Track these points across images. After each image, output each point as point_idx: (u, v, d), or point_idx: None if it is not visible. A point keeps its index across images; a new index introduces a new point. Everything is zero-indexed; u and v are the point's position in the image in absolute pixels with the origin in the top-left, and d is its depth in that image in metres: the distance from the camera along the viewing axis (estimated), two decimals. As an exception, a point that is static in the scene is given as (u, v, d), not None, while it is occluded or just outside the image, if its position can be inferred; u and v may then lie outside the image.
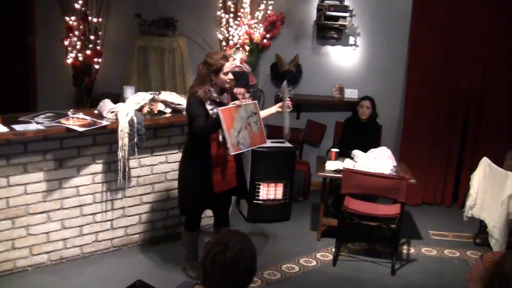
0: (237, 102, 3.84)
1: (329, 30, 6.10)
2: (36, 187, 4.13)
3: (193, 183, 3.98)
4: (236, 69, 5.31)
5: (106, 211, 4.53)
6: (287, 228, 5.36)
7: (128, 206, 4.64)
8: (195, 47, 6.11)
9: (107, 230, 4.57)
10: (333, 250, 4.80)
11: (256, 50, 6.05)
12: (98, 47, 6.25)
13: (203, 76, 3.88)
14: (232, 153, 3.78)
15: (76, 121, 4.21)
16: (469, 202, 5.04)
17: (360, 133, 5.54)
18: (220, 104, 3.92)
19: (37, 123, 4.10)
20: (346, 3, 6.00)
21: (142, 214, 4.74)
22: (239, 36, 5.94)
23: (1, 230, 4.03)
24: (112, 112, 4.36)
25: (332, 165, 4.99)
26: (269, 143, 4.75)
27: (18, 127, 3.97)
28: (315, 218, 5.46)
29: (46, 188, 4.18)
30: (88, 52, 6.13)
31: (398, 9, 6.09)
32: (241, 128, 3.79)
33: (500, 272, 1.85)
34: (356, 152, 5.10)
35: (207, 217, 4.92)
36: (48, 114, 4.33)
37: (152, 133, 4.61)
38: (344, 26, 6.01)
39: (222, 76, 3.88)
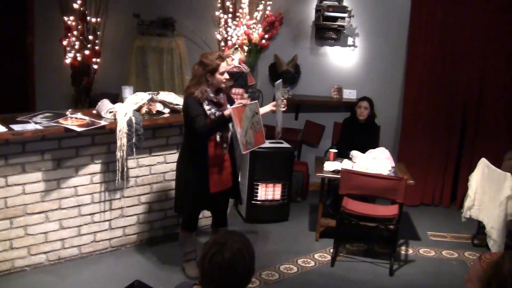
0: (243, 101, 3.85)
1: (327, 31, 6.10)
2: (34, 187, 4.13)
3: (192, 183, 3.98)
4: (235, 70, 5.32)
5: (104, 211, 4.53)
6: (286, 228, 5.36)
7: (126, 206, 4.64)
8: (193, 48, 6.11)
9: (105, 230, 4.56)
10: (331, 250, 4.80)
11: (254, 50, 6.05)
12: (97, 47, 6.25)
13: (199, 77, 3.88)
14: (244, 152, 3.82)
15: (74, 121, 4.21)
16: (467, 203, 5.05)
17: (358, 134, 5.55)
18: (217, 104, 3.92)
19: (36, 123, 4.10)
20: (344, 3, 6.01)
21: (140, 214, 4.74)
22: (238, 37, 5.94)
23: (-1, 230, 4.03)
24: (110, 112, 4.36)
25: (330, 165, 5.00)
26: (267, 144, 4.75)
27: (16, 127, 3.96)
28: (314, 218, 5.46)
29: (44, 188, 4.17)
30: (87, 52, 6.13)
31: (396, 10, 6.10)
32: (247, 127, 3.80)
33: (498, 273, 1.85)
34: (355, 153, 5.11)
35: (205, 217, 4.93)
36: (47, 114, 4.32)
37: (150, 133, 4.61)
38: (343, 26, 6.02)
39: (218, 76, 3.88)
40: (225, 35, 6.03)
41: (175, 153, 4.72)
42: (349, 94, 6.23)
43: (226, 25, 6.02)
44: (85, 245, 4.48)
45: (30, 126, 4.02)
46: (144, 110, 4.49)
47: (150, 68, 6.19)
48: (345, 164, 4.98)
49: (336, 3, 5.95)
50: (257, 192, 5.36)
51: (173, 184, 4.57)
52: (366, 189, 4.68)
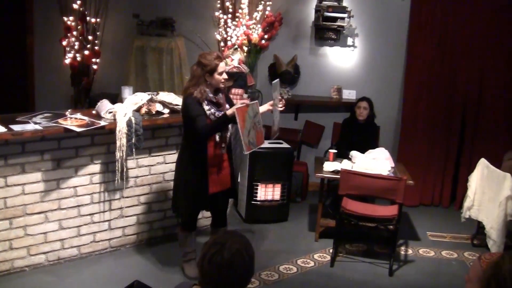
0: (246, 101, 3.85)
1: (327, 31, 6.10)
2: (34, 188, 4.13)
3: (192, 183, 3.98)
4: (234, 70, 5.32)
5: (104, 211, 4.53)
6: (285, 229, 5.36)
7: (126, 207, 4.64)
8: (193, 48, 6.11)
9: (105, 230, 4.56)
10: (331, 251, 4.80)
11: (254, 50, 6.05)
12: (96, 48, 6.25)
13: (198, 77, 3.88)
14: (246, 152, 3.81)
15: (74, 121, 4.21)
16: (467, 203, 5.04)
17: (358, 134, 5.55)
18: (217, 104, 3.92)
19: (35, 123, 4.10)
20: (344, 4, 6.01)
21: (140, 214, 4.74)
22: (237, 37, 5.94)
23: (-2, 230, 4.03)
24: (110, 112, 4.36)
25: (330, 166, 5.00)
26: (267, 144, 4.75)
27: (16, 127, 3.96)
28: (313, 219, 5.46)
29: (44, 188, 4.17)
30: (86, 52, 6.13)
31: (396, 10, 6.10)
32: (250, 127, 3.81)
33: (498, 273, 1.85)
34: (354, 153, 5.11)
35: (205, 217, 4.93)
36: (46, 114, 4.32)
37: (150, 134, 4.61)
38: (342, 27, 6.02)
39: (216, 76, 3.88)
40: (225, 36, 6.03)
41: (174, 153, 4.71)
42: (349, 95, 6.23)
43: (225, 26, 6.02)
44: (85, 245, 4.48)
45: (30, 126, 4.02)
46: (143, 110, 4.49)
47: (150, 68, 6.19)
48: (345, 165, 4.98)
49: (335, 3, 5.95)
50: (256, 192, 5.35)
51: (172, 184, 4.56)
52: (366, 190, 4.67)
